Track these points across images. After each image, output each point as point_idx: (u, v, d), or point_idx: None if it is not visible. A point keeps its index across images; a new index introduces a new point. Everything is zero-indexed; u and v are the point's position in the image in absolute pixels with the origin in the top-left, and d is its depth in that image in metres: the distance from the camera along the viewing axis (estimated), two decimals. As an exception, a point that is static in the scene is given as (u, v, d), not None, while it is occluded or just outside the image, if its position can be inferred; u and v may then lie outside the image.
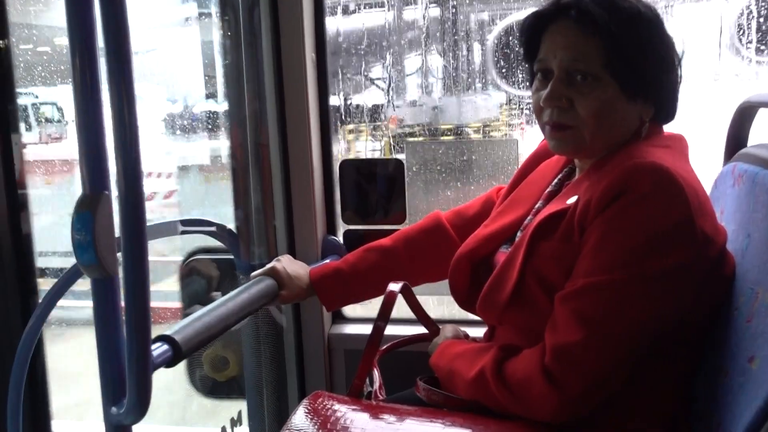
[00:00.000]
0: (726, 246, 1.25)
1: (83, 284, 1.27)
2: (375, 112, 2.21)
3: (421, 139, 2.21)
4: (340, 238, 2.06)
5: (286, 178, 1.96)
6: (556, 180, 1.42)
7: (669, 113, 1.29)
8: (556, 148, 1.31)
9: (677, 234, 1.13)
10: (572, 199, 1.23)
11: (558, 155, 1.45)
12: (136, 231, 1.01)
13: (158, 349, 1.21)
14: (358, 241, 1.92)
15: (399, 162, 2.03)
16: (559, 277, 1.20)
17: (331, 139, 2.03)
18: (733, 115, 1.52)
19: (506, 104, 2.15)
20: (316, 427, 1.22)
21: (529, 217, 1.40)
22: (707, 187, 1.41)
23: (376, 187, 2.05)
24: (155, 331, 1.11)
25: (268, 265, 1.68)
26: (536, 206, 1.40)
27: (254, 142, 1.92)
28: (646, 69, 1.22)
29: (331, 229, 2.06)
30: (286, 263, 1.69)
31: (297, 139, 1.93)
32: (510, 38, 2.12)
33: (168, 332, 1.24)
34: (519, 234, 1.38)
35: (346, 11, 2.14)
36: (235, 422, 2.02)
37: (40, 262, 2.04)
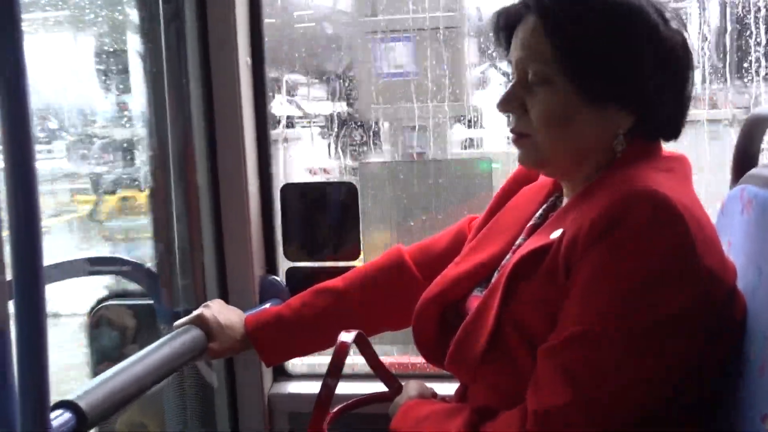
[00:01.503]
0: (735, 284, 1.26)
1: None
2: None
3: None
4: (282, 278, 2.06)
5: (216, 206, 1.95)
6: (540, 211, 1.44)
7: (659, 126, 1.30)
8: (519, 160, 1.36)
9: (679, 274, 1.13)
10: (556, 233, 1.24)
11: (543, 180, 1.48)
12: (32, 273, 0.99)
13: (59, 418, 1.18)
14: (303, 282, 1.92)
15: (352, 186, 2.04)
16: (543, 325, 1.20)
17: (269, 158, 2.04)
18: (741, 129, 1.55)
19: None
20: None
21: (507, 255, 1.40)
22: (712, 214, 1.44)
23: (325, 216, 2.06)
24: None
25: (195, 312, 1.66)
26: (517, 242, 1.41)
27: (177, 164, 1.92)
28: (612, 67, 1.24)
29: (271, 267, 2.06)
30: (216, 309, 1.67)
31: (229, 159, 1.93)
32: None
33: (70, 397, 1.22)
34: (496, 274, 1.39)
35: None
36: (155, 503, 1.99)
37: None
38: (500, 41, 1.38)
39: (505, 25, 1.36)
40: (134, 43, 2.00)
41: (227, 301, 1.85)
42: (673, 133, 1.33)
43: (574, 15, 1.24)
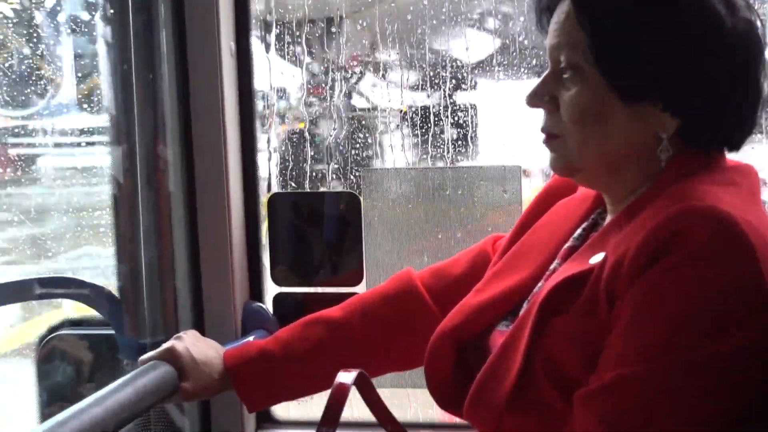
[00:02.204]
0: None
1: None
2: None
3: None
4: (269, 306, 2.06)
5: (192, 219, 1.96)
6: (578, 230, 1.44)
7: (712, 133, 1.29)
8: (550, 165, 1.37)
9: (744, 306, 1.12)
10: (598, 257, 1.24)
11: (583, 193, 1.49)
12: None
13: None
14: (294, 311, 1.93)
15: (353, 197, 2.04)
16: (581, 367, 1.19)
17: (255, 163, 2.04)
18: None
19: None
20: None
21: (539, 283, 1.40)
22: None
23: (321, 232, 2.06)
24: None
25: (165, 345, 1.65)
26: (550, 266, 1.41)
27: (146, 168, 1.92)
28: (651, 61, 1.24)
29: (256, 292, 2.07)
30: (190, 342, 1.67)
31: (208, 164, 1.94)
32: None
33: (15, 444, 1.22)
34: (525, 305, 1.38)
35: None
36: None
37: None
38: (542, 25, 1.39)
39: (548, 5, 1.37)
40: (95, 22, 2.01)
41: (203, 333, 1.85)
42: (733, 143, 1.32)
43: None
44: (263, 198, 2.07)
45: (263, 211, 2.06)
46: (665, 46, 1.23)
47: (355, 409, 1.57)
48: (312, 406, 2.04)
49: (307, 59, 2.13)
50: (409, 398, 2.06)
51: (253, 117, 2.02)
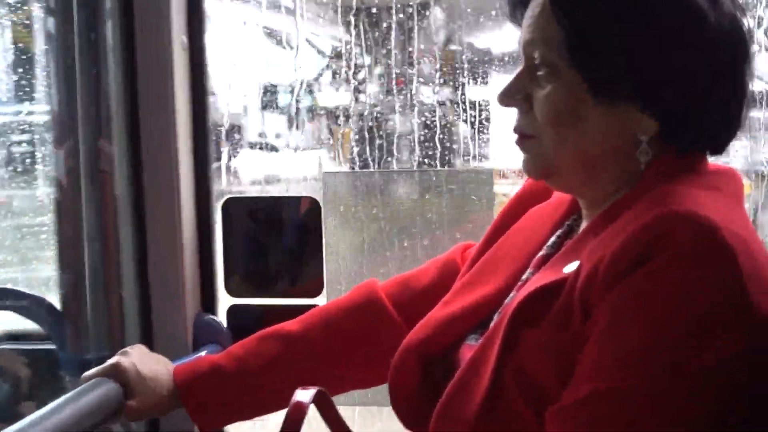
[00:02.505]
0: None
1: None
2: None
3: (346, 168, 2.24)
4: (223, 319, 2.06)
5: (140, 225, 1.96)
6: (553, 238, 1.45)
7: (693, 135, 1.30)
8: (523, 168, 1.38)
9: (726, 316, 1.13)
10: (572, 266, 1.24)
11: (558, 198, 1.50)
12: None
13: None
14: (249, 324, 1.91)
15: (313, 202, 2.05)
16: (554, 381, 1.20)
17: (208, 166, 2.04)
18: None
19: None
20: None
21: (511, 293, 1.41)
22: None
23: (279, 240, 2.07)
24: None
25: (110, 361, 1.64)
26: (523, 276, 1.42)
27: (90, 171, 1.92)
28: (629, 58, 1.25)
29: (209, 304, 2.06)
30: (137, 358, 1.66)
31: (157, 165, 1.94)
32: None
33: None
34: (495, 317, 1.39)
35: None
36: None
37: None
38: (516, 18, 1.40)
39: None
40: (35, 15, 2.01)
41: (152, 348, 1.82)
42: (716, 145, 1.34)
43: None
44: (217, 202, 2.07)
45: (217, 216, 2.06)
46: (644, 42, 1.24)
47: (314, 429, 1.57)
48: (268, 426, 2.04)
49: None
50: (373, 417, 2.06)
51: (206, 116, 2.02)
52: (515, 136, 1.37)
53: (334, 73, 2.29)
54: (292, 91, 2.22)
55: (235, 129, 2.29)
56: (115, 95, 1.91)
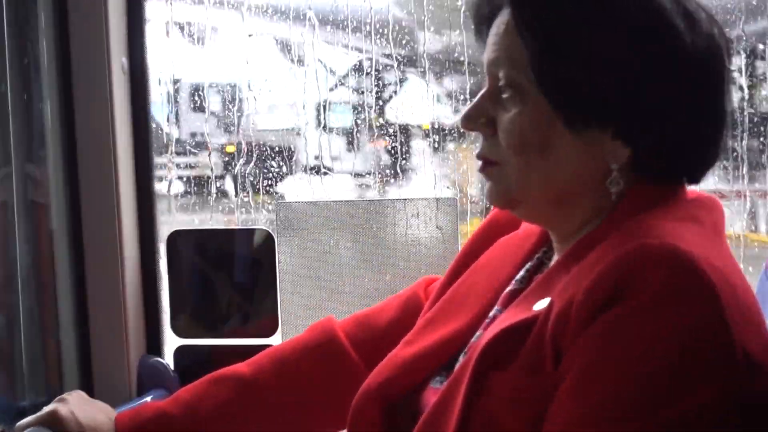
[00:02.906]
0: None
1: None
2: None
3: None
4: (169, 361, 2.05)
5: (78, 261, 1.95)
6: (522, 272, 1.43)
7: (671, 164, 1.30)
8: (487, 197, 1.37)
9: (707, 360, 1.12)
10: (542, 303, 1.23)
11: (527, 229, 1.49)
12: None
13: None
14: (198, 367, 1.92)
15: (267, 235, 2.04)
16: (522, 429, 1.18)
17: (153, 196, 2.04)
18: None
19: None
20: None
21: (478, 333, 1.39)
22: (753, 278, 1.45)
23: (230, 276, 2.06)
24: None
25: (46, 409, 1.62)
26: (490, 313, 1.41)
27: (23, 202, 1.91)
28: (599, 81, 1.24)
29: (154, 345, 2.06)
30: (76, 405, 1.63)
31: (96, 197, 1.94)
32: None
33: None
34: (461, 358, 1.37)
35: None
36: None
37: None
38: (481, 36, 1.39)
39: (487, 14, 1.37)
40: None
41: (92, 394, 1.80)
42: (693, 174, 1.33)
43: (555, 7, 1.25)
44: (162, 236, 2.06)
45: (162, 250, 2.05)
46: (615, 65, 1.23)
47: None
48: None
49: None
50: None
51: (148, 142, 2.02)
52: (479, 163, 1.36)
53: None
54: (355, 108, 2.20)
55: (285, 152, 2.24)
56: (51, 122, 1.90)
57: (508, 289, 1.42)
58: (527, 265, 1.44)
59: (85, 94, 1.92)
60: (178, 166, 2.20)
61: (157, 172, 2.11)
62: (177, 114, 2.21)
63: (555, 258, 1.39)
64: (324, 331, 1.71)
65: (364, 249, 2.06)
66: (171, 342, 2.07)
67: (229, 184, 2.21)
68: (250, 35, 2.16)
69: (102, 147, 1.93)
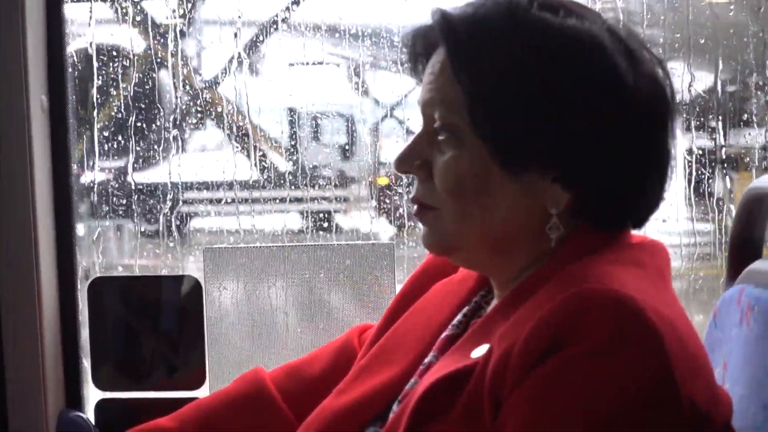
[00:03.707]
0: (731, 424, 1.25)
1: None
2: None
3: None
4: (90, 415, 2.03)
5: (-7, 309, 1.92)
6: (459, 316, 1.42)
7: (612, 209, 1.29)
8: (423, 242, 1.36)
9: (653, 411, 1.11)
10: (481, 350, 1.21)
11: (465, 272, 1.47)
12: None
13: None
14: (120, 421, 1.85)
15: (194, 282, 2.03)
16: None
17: (73, 240, 2.03)
18: (738, 210, 1.58)
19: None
20: None
21: (413, 379, 1.37)
22: (701, 325, 1.44)
23: (154, 325, 2.05)
24: None
25: (-44, 469, 1.59)
26: (426, 360, 1.39)
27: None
28: (537, 124, 1.23)
29: (74, 399, 2.04)
30: (-12, 463, 1.60)
31: (12, 242, 1.93)
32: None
33: None
34: (395, 407, 1.35)
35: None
36: None
37: None
38: (417, 73, 1.38)
39: (424, 52, 1.36)
40: None
41: (6, 452, 1.80)
42: (635, 219, 1.32)
43: (490, 49, 1.24)
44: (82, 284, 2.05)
45: (83, 298, 2.04)
46: (552, 107, 1.22)
47: None
48: None
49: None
50: None
51: (69, 186, 2.02)
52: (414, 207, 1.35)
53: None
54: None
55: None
56: (-34, 163, 1.87)
57: (444, 334, 1.40)
58: (464, 310, 1.43)
59: (3, 133, 1.91)
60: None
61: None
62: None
63: (494, 302, 1.37)
64: (253, 382, 1.68)
65: (297, 296, 2.06)
66: (92, 395, 2.06)
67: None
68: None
69: (19, 189, 1.92)
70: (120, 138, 2.17)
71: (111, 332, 2.04)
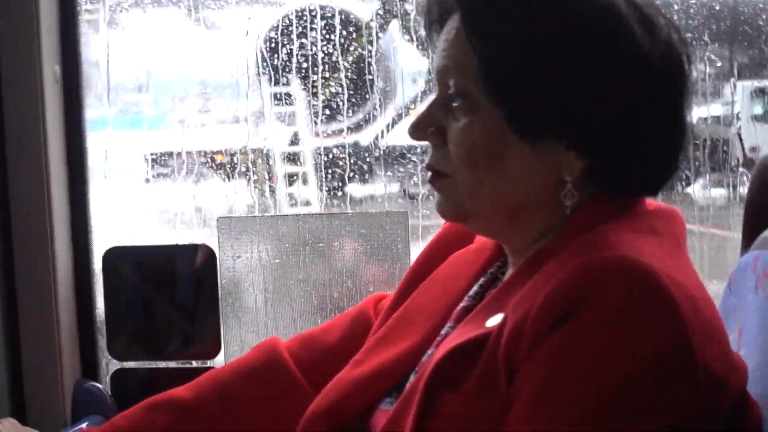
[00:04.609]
0: (746, 389, 1.26)
1: None
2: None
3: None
4: (106, 386, 2.04)
5: (8, 281, 1.94)
6: (475, 287, 1.43)
7: (627, 176, 1.29)
8: (437, 209, 1.36)
9: (668, 377, 1.12)
10: (496, 319, 1.22)
11: (481, 243, 1.48)
12: None
13: None
14: (136, 391, 1.89)
15: (208, 251, 2.04)
16: (479, 454, 1.18)
17: (87, 211, 2.04)
18: (752, 176, 1.58)
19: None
20: None
21: (429, 350, 1.39)
22: (716, 292, 1.45)
23: (169, 295, 2.05)
24: None
25: (-25, 438, 1.61)
26: (442, 330, 1.40)
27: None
28: (552, 90, 1.24)
29: (90, 369, 2.05)
30: (6, 433, 1.63)
31: (26, 213, 1.93)
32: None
33: None
34: (412, 377, 1.37)
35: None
36: None
37: None
38: (432, 41, 1.39)
39: (439, 18, 1.36)
40: None
41: (24, 421, 1.79)
42: (649, 187, 1.33)
43: (506, 15, 1.24)
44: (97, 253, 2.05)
45: (98, 269, 2.04)
46: (568, 72, 1.23)
47: None
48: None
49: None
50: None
51: (83, 155, 2.02)
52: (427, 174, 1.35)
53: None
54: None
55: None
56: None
57: (460, 305, 1.41)
58: (480, 280, 1.43)
59: (16, 104, 1.91)
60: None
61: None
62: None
63: (509, 272, 1.38)
64: (269, 351, 1.69)
65: (312, 265, 2.06)
66: (108, 365, 2.06)
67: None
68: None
69: (33, 159, 1.92)
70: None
71: (126, 302, 2.04)
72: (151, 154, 2.18)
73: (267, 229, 2.07)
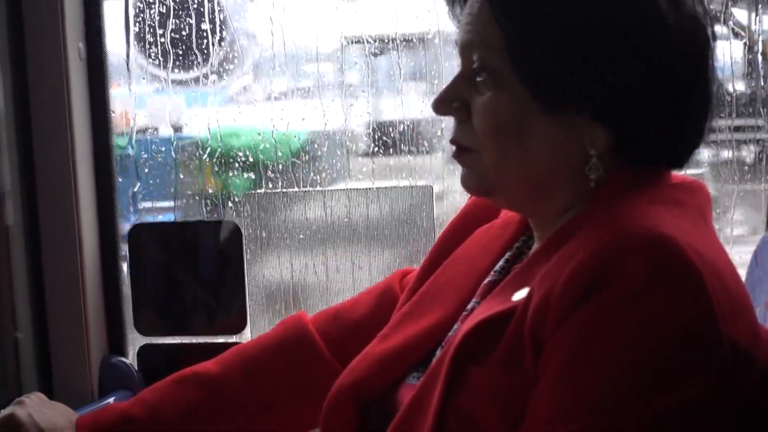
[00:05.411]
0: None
1: None
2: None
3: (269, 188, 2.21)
4: (133, 361, 2.05)
5: (35, 257, 1.95)
6: (501, 262, 1.43)
7: (653, 148, 1.29)
8: (462, 183, 1.37)
9: (693, 350, 1.13)
10: (521, 293, 1.23)
11: (507, 217, 1.48)
12: None
13: None
14: (163, 366, 1.91)
15: (234, 227, 2.04)
16: (503, 426, 1.19)
17: (113, 187, 2.04)
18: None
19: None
20: None
21: (455, 325, 1.40)
22: (742, 265, 1.46)
23: (195, 271, 2.06)
24: None
25: (4, 412, 1.62)
26: (468, 305, 1.41)
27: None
28: (578, 62, 1.24)
29: (116, 344, 2.05)
30: (35, 408, 1.63)
31: (53, 190, 1.94)
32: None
33: None
34: (438, 352, 1.37)
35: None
36: None
37: None
38: (455, 15, 1.39)
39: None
40: None
41: (51, 396, 1.79)
42: (675, 159, 1.33)
43: None
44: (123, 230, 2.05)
45: (124, 246, 2.04)
46: (594, 46, 1.23)
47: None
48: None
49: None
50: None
51: (108, 132, 2.02)
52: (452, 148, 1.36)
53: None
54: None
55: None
56: (4, 112, 1.89)
57: (486, 280, 1.42)
58: (506, 255, 1.44)
59: (41, 81, 1.91)
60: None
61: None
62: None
63: (535, 247, 1.39)
64: (295, 327, 1.71)
65: (337, 241, 2.06)
66: (134, 340, 2.07)
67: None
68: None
69: (59, 137, 1.92)
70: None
71: (152, 278, 2.05)
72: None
73: (291, 204, 2.08)
